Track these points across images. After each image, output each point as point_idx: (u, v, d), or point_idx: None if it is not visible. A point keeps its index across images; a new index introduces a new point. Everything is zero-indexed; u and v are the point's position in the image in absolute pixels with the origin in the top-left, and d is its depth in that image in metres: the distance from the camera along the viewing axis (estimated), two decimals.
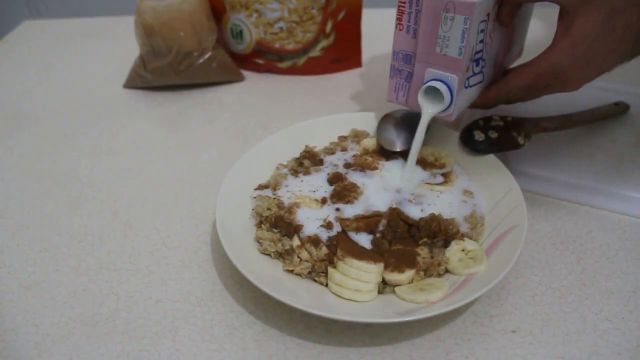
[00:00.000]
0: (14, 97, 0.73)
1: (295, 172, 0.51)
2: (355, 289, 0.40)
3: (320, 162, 0.53)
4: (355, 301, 0.40)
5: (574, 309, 0.41)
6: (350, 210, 0.46)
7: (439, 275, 0.42)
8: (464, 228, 0.45)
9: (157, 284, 0.44)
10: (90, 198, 0.54)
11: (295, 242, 0.44)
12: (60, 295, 0.44)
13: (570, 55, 0.42)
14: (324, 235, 0.44)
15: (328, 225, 0.44)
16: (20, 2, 1.32)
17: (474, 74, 0.47)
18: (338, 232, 0.44)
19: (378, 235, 0.44)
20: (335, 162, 0.53)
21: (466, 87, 0.46)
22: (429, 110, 0.47)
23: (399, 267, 0.42)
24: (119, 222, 0.51)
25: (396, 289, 0.41)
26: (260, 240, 0.44)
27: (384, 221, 0.44)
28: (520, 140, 0.51)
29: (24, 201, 0.54)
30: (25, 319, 0.42)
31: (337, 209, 0.46)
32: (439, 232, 0.44)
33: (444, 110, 0.46)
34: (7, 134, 0.65)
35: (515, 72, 0.47)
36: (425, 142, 0.54)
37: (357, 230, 0.44)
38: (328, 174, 0.51)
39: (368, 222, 0.45)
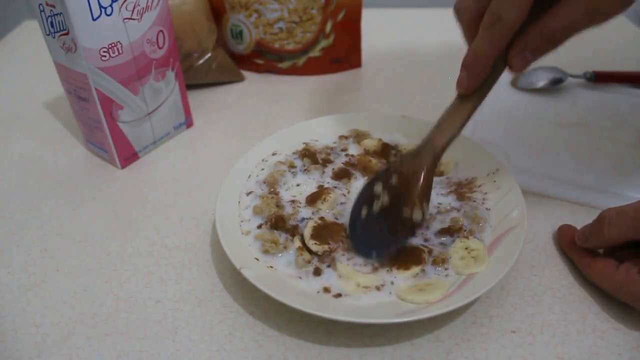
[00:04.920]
0: (14, 97, 0.73)
1: (292, 168, 0.52)
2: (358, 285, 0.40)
3: (318, 161, 0.53)
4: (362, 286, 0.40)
5: (574, 309, 0.41)
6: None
7: (442, 270, 0.42)
8: (466, 224, 0.45)
9: (157, 284, 0.44)
10: (90, 198, 0.54)
11: (297, 243, 0.44)
12: (60, 296, 0.44)
13: None
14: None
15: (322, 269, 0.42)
16: (20, 2, 1.32)
17: None
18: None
19: None
20: (336, 160, 0.53)
21: None
22: None
23: (404, 264, 0.42)
24: (119, 222, 0.51)
25: (396, 289, 0.41)
26: (262, 241, 0.44)
27: None
28: (417, 215, 0.41)
29: (24, 201, 0.54)
30: (25, 319, 0.42)
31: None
32: (449, 229, 0.44)
33: None
34: (7, 134, 0.65)
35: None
36: None
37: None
38: (333, 169, 0.51)
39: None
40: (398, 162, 0.44)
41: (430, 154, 0.42)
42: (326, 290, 0.41)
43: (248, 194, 0.49)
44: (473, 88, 0.40)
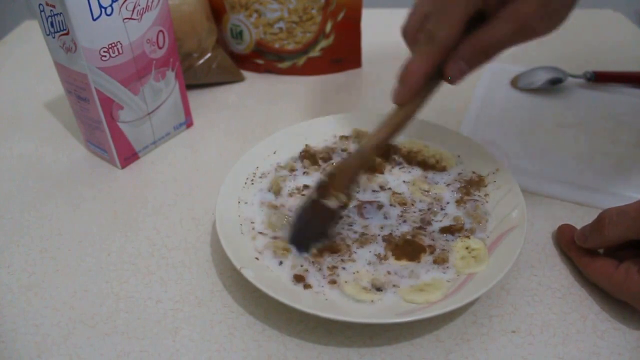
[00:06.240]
0: (14, 97, 0.73)
1: (293, 172, 0.51)
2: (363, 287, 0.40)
3: (318, 162, 0.53)
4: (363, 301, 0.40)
5: (574, 309, 0.41)
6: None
7: (443, 270, 0.42)
8: (467, 224, 0.45)
9: (157, 284, 0.44)
10: (90, 198, 0.54)
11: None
12: (60, 296, 0.44)
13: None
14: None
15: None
16: (20, 2, 1.32)
17: None
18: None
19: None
20: (336, 158, 0.53)
21: None
22: None
23: (403, 255, 0.43)
24: (119, 222, 0.51)
25: (396, 289, 0.41)
26: (274, 248, 0.44)
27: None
28: (331, 203, 0.43)
29: (24, 201, 0.54)
30: (25, 319, 0.42)
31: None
32: (450, 228, 0.44)
33: None
34: (7, 134, 0.65)
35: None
36: (428, 144, 0.54)
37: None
38: (332, 163, 0.51)
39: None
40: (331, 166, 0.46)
41: (358, 153, 0.45)
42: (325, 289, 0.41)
43: (248, 194, 0.49)
44: (407, 100, 0.42)
